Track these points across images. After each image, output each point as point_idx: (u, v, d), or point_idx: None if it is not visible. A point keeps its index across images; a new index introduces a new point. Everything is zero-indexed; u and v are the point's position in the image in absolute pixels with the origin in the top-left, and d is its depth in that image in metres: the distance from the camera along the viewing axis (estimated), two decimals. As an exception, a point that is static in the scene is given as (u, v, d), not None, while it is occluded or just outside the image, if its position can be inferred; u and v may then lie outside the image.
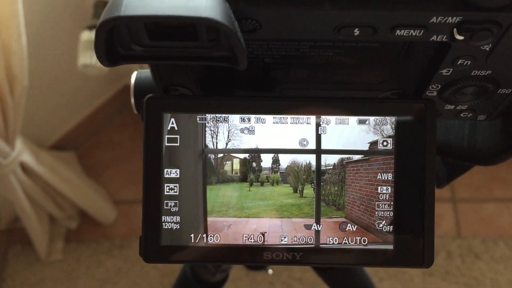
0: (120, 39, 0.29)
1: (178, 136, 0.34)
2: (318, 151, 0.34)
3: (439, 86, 0.36)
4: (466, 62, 0.33)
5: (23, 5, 1.01)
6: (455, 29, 0.30)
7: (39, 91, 1.35)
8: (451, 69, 0.34)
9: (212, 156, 0.34)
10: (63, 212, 1.47)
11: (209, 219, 0.34)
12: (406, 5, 0.29)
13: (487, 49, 0.32)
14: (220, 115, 0.34)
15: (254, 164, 0.34)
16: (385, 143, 0.34)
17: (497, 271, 1.40)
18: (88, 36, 1.16)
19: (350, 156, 0.34)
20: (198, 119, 0.34)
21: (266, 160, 0.34)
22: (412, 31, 0.30)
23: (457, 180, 1.60)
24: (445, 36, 0.31)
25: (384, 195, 0.34)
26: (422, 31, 0.30)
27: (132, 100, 0.43)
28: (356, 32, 0.30)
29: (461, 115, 0.39)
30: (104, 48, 0.28)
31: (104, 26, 0.26)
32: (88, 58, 1.16)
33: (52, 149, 1.52)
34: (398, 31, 0.30)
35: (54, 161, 1.39)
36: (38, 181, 1.35)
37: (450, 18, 0.29)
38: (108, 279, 1.42)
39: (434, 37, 0.31)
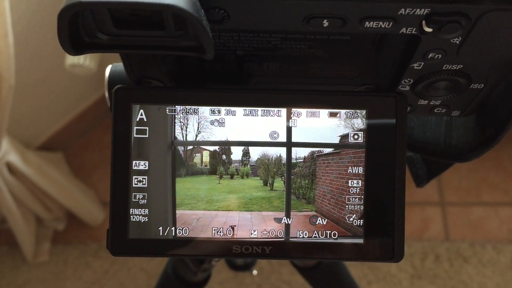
0: (85, 27, 0.29)
1: (147, 128, 0.34)
2: (289, 144, 0.34)
3: (412, 81, 0.35)
4: (437, 55, 0.33)
5: (10, 4, 1.01)
6: (423, 21, 0.30)
7: (27, 90, 1.34)
8: (422, 63, 0.34)
9: (182, 148, 0.34)
10: (50, 214, 1.46)
11: (178, 212, 0.34)
12: None
13: (457, 42, 0.32)
14: (189, 106, 0.34)
15: (224, 157, 0.34)
16: (356, 137, 0.34)
17: (484, 275, 1.40)
18: (76, 35, 1.16)
19: (321, 149, 0.34)
20: (167, 110, 0.34)
21: (236, 153, 0.34)
22: (381, 23, 0.30)
23: (446, 184, 1.59)
24: (414, 29, 0.30)
25: (355, 188, 0.34)
26: (391, 23, 0.30)
27: (106, 94, 0.42)
28: (325, 23, 0.30)
29: (435, 110, 0.39)
30: (67, 35, 0.28)
31: (66, 12, 0.26)
32: (75, 58, 1.15)
33: (39, 149, 1.51)
34: (367, 23, 0.30)
35: (42, 162, 1.39)
36: (24, 182, 1.34)
37: (418, 10, 0.29)
38: (95, 281, 1.41)
39: (403, 30, 0.31)
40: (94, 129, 1.59)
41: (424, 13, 0.29)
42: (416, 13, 0.29)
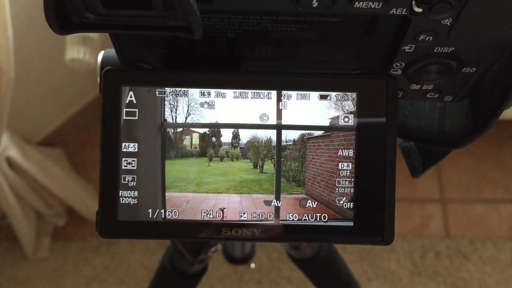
0: (73, 6, 0.29)
1: (136, 110, 0.33)
2: (279, 127, 0.34)
3: (403, 64, 0.35)
4: (428, 37, 0.33)
5: None
6: (413, 1, 0.29)
7: (28, 85, 1.34)
8: (414, 46, 0.33)
9: (171, 130, 0.34)
10: (50, 209, 1.46)
11: (168, 194, 0.34)
12: None
13: (448, 23, 0.31)
14: (179, 89, 0.33)
15: (213, 139, 0.34)
16: (346, 119, 0.34)
17: (485, 272, 1.39)
18: (75, 30, 1.16)
19: (311, 132, 0.34)
20: (157, 92, 0.33)
21: (226, 135, 0.34)
22: (370, 3, 0.30)
23: (446, 181, 1.59)
24: (404, 9, 0.30)
25: (345, 171, 0.34)
26: (381, 3, 0.30)
27: (99, 79, 0.42)
28: (315, 3, 0.30)
29: (428, 95, 0.39)
30: (54, 14, 0.28)
31: None
32: (75, 52, 1.15)
33: (40, 145, 1.51)
34: (356, 3, 0.30)
35: (42, 157, 1.39)
36: (25, 177, 1.35)
37: None
38: (95, 277, 1.42)
39: (393, 10, 0.30)
40: (94, 125, 1.60)
41: None
42: None
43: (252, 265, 0.83)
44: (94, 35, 1.20)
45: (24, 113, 1.41)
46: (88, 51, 1.19)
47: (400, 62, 0.35)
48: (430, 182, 1.54)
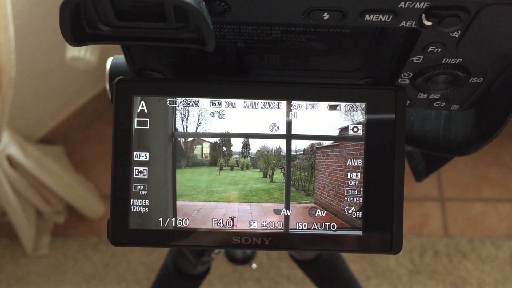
0: (87, 18, 0.29)
1: (148, 119, 0.34)
2: (289, 136, 0.34)
3: (411, 74, 0.36)
4: (436, 49, 0.33)
5: None
6: (423, 15, 0.30)
7: (27, 84, 1.34)
8: (422, 57, 0.34)
9: (182, 139, 0.34)
10: (50, 207, 1.46)
11: (178, 203, 0.34)
12: None
13: (457, 36, 0.32)
14: (190, 98, 0.34)
15: (224, 148, 0.34)
16: (355, 129, 0.34)
17: (483, 271, 1.40)
18: (76, 28, 1.16)
19: (320, 141, 0.34)
20: (168, 102, 0.34)
21: (236, 145, 0.34)
22: (381, 16, 0.30)
23: (445, 180, 1.60)
24: (414, 22, 0.31)
25: (354, 181, 0.34)
26: (391, 16, 0.30)
27: (107, 86, 0.42)
28: (326, 16, 0.30)
29: (434, 104, 0.39)
30: (69, 26, 0.28)
31: (68, 2, 0.26)
32: (76, 51, 1.16)
33: (40, 142, 1.52)
34: (367, 16, 0.30)
35: (42, 155, 1.39)
36: (25, 175, 1.35)
37: (418, 3, 0.29)
38: (95, 274, 1.42)
39: (403, 23, 0.31)
40: (94, 122, 1.60)
41: (424, 7, 0.29)
42: (416, 7, 0.29)
43: (254, 265, 0.84)
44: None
45: (25, 111, 1.41)
46: (89, 50, 1.19)
47: (408, 72, 0.36)
48: (429, 180, 1.55)
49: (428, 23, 0.30)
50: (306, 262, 0.71)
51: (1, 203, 1.36)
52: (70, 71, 1.40)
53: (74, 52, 1.16)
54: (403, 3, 0.29)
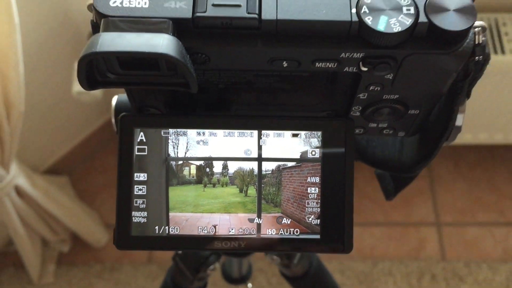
0: (98, 68, 0.39)
1: (146, 147, 0.43)
2: (259, 159, 0.44)
3: (360, 108, 0.45)
4: (376, 88, 0.42)
5: (21, 35, 1.09)
6: (360, 62, 0.39)
7: (35, 117, 1.43)
8: (366, 94, 0.43)
9: (174, 163, 0.44)
10: (55, 236, 1.53)
11: (171, 214, 0.43)
12: (322, 45, 0.38)
13: (390, 78, 0.41)
14: (180, 129, 0.43)
15: (207, 170, 0.44)
16: (313, 153, 0.44)
17: (479, 294, 1.47)
18: (83, 65, 1.27)
19: (285, 163, 0.44)
20: (162, 133, 0.43)
21: (217, 166, 0.44)
22: (328, 63, 0.39)
23: (441, 205, 1.67)
24: (354, 68, 0.40)
25: (313, 194, 0.43)
26: (336, 63, 0.39)
27: (113, 120, 0.52)
28: (285, 64, 0.39)
29: (384, 132, 0.49)
30: (85, 75, 0.38)
31: (84, 59, 0.35)
32: (82, 85, 1.26)
33: (46, 173, 1.60)
34: (317, 64, 0.39)
35: (48, 185, 1.46)
36: (32, 205, 1.41)
37: (355, 54, 0.38)
38: (98, 302, 1.49)
39: (346, 68, 0.40)
40: (98, 153, 1.70)
41: (360, 56, 0.38)
42: (354, 56, 0.38)
43: (249, 285, 0.92)
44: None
45: (32, 143, 1.50)
46: (94, 84, 1.29)
47: (357, 106, 0.45)
48: (426, 205, 1.63)
49: (365, 69, 0.39)
50: (296, 278, 0.79)
51: (9, 232, 1.42)
52: (76, 105, 1.49)
53: (80, 87, 1.26)
54: (344, 54, 0.38)
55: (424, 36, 0.36)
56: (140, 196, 0.43)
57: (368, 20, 0.36)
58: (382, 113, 0.45)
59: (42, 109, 1.47)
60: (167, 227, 0.43)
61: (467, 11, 0.36)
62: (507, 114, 1.46)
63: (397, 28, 0.35)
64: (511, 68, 1.31)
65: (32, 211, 1.43)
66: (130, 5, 0.36)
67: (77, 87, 1.27)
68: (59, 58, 1.42)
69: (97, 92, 1.29)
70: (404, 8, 0.36)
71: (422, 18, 0.36)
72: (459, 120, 0.46)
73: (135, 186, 0.43)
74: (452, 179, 1.66)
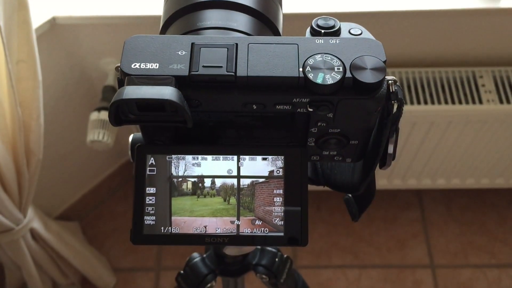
0: (122, 111, 0.57)
1: (155, 168, 0.62)
2: (238, 177, 0.62)
3: (314, 139, 0.63)
4: (322, 124, 0.57)
5: (42, 90, 1.26)
6: (308, 105, 0.51)
7: (51, 164, 1.60)
8: (316, 128, 0.57)
9: (175, 179, 0.62)
10: (66, 279, 1.66)
11: (173, 218, 0.61)
12: (280, 93, 0.55)
13: (331, 116, 0.57)
14: (180, 155, 0.62)
15: (200, 185, 0.62)
16: (278, 172, 0.62)
17: (473, 333, 1.58)
18: (97, 116, 1.46)
19: (257, 179, 0.62)
20: (167, 158, 0.62)
21: (207, 182, 0.62)
22: (285, 106, 0.56)
23: (435, 247, 1.83)
24: (304, 109, 0.54)
25: (278, 202, 0.61)
26: (291, 106, 0.53)
27: (129, 152, 0.71)
28: (254, 107, 0.55)
29: (335, 158, 0.67)
30: (114, 116, 0.57)
31: (114, 104, 0.54)
32: (96, 135, 1.45)
33: (58, 219, 1.76)
34: (278, 106, 0.53)
35: (61, 229, 1.60)
36: (45, 248, 1.55)
37: (303, 99, 0.51)
38: None
39: (299, 109, 0.54)
40: (107, 200, 1.87)
41: (307, 101, 0.52)
42: (303, 101, 0.52)
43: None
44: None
45: (46, 189, 1.66)
46: (106, 133, 1.49)
47: (311, 138, 0.63)
48: (420, 248, 1.77)
49: (311, 109, 0.54)
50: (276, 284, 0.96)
51: (22, 274, 1.55)
52: (88, 155, 1.66)
53: (94, 135, 1.46)
54: (295, 99, 0.52)
55: (351, 86, 0.50)
56: (150, 205, 0.61)
57: (310, 76, 0.49)
58: (330, 143, 0.63)
59: (56, 158, 1.63)
60: (170, 228, 0.61)
61: (379, 69, 0.53)
62: (490, 160, 1.63)
63: (330, 81, 0.49)
64: (489, 117, 1.50)
65: (45, 254, 1.56)
66: (146, 67, 0.55)
67: (91, 136, 1.46)
68: (75, 110, 1.61)
69: (109, 141, 1.48)
70: (335, 68, 0.53)
71: (348, 74, 0.50)
72: (390, 149, 0.64)
73: (147, 197, 0.61)
74: (445, 222, 1.81)
